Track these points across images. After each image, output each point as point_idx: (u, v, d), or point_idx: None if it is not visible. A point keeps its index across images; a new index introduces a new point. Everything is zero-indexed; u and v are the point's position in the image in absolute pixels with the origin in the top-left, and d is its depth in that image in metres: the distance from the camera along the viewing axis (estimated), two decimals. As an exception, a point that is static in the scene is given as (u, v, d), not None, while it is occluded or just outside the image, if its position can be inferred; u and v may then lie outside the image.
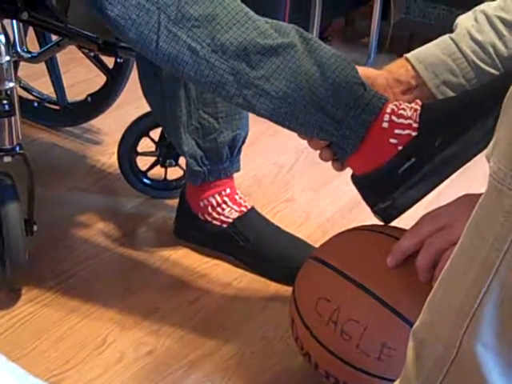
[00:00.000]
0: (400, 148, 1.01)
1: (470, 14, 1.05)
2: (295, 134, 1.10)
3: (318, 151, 1.08)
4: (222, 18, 1.03)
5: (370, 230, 1.08)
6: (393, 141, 1.02)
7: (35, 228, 1.24)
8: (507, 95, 0.68)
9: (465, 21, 1.04)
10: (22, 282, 1.26)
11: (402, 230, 1.05)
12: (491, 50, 1.02)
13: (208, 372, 1.14)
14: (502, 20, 1.02)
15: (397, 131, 1.02)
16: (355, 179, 1.08)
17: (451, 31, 1.06)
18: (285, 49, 1.02)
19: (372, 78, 1.05)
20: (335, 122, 1.03)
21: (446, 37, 1.05)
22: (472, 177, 1.61)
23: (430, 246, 0.97)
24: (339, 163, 1.08)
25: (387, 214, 1.05)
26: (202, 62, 1.03)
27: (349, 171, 1.11)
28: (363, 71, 1.05)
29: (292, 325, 1.08)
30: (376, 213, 1.06)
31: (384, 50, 2.39)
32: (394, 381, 0.83)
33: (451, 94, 1.04)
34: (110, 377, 1.11)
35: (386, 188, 1.03)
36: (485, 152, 0.71)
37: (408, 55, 1.06)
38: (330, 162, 1.09)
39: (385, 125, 1.02)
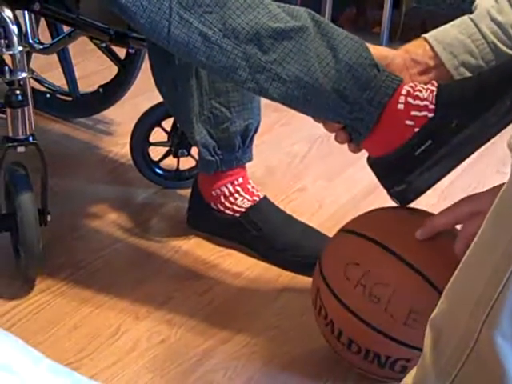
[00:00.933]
0: (416, 130, 1.00)
1: None
2: (308, 124, 1.10)
3: (333, 134, 1.08)
4: (234, 3, 1.02)
5: (396, 208, 1.09)
6: (409, 122, 1.01)
7: (49, 218, 1.24)
8: None
9: (485, 1, 1.02)
10: (36, 272, 1.26)
11: (427, 213, 1.06)
12: (511, 31, 1.00)
13: (221, 360, 1.14)
14: None
15: (413, 113, 1.01)
16: (371, 161, 1.07)
17: (471, 12, 1.04)
18: (297, 32, 1.02)
19: (389, 58, 1.04)
20: (348, 105, 1.03)
21: (465, 17, 1.03)
22: (485, 166, 1.61)
23: (464, 231, 0.97)
24: (355, 145, 1.07)
25: (403, 197, 1.05)
26: (214, 47, 1.03)
27: (361, 160, 1.10)
28: (379, 51, 1.04)
29: (315, 296, 1.08)
30: (392, 195, 1.06)
31: (396, 39, 2.38)
32: (417, 349, 0.82)
33: (469, 75, 1.02)
34: (123, 365, 1.12)
35: (402, 170, 1.03)
36: (507, 141, 0.70)
37: (426, 35, 1.04)
38: (345, 146, 1.08)
39: (400, 106, 1.01)
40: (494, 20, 1.01)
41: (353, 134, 1.06)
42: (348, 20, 2.54)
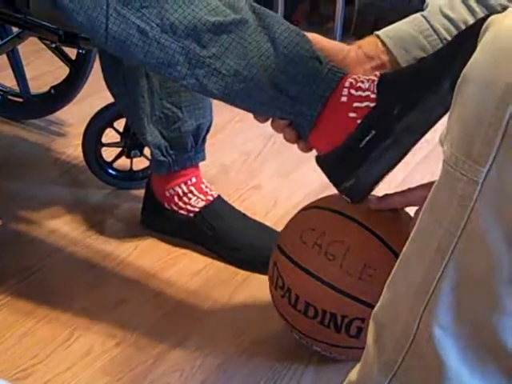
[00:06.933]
0: (359, 121, 0.99)
1: None
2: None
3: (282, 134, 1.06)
4: None
5: None
6: (352, 115, 0.99)
7: (0, 223, 1.22)
8: (458, 82, 0.68)
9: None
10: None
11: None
12: (463, 27, 0.99)
13: (176, 362, 1.13)
14: None
15: (355, 104, 0.99)
16: (319, 159, 1.06)
17: (422, 10, 1.05)
18: (236, 25, 0.99)
19: (344, 52, 1.03)
20: (290, 99, 1.00)
21: (417, 15, 1.03)
22: (438, 160, 1.62)
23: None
24: (303, 143, 1.05)
25: (354, 193, 1.03)
26: (152, 43, 1.00)
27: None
28: (334, 45, 1.03)
29: (272, 271, 1.11)
30: (342, 192, 1.04)
31: (349, 34, 2.39)
32: (372, 307, 0.82)
33: None
34: (77, 370, 1.11)
35: (349, 165, 1.01)
36: (438, 137, 0.71)
37: (378, 32, 1.04)
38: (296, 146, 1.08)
39: (343, 99, 0.99)
40: (446, 16, 1.01)
41: (299, 130, 1.04)
42: (301, 16, 2.55)
